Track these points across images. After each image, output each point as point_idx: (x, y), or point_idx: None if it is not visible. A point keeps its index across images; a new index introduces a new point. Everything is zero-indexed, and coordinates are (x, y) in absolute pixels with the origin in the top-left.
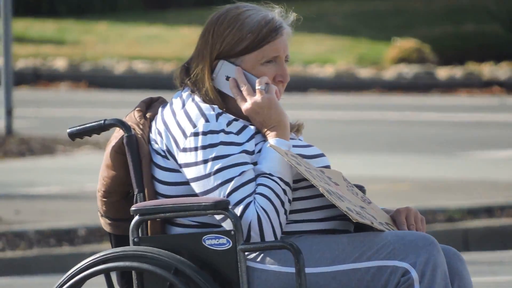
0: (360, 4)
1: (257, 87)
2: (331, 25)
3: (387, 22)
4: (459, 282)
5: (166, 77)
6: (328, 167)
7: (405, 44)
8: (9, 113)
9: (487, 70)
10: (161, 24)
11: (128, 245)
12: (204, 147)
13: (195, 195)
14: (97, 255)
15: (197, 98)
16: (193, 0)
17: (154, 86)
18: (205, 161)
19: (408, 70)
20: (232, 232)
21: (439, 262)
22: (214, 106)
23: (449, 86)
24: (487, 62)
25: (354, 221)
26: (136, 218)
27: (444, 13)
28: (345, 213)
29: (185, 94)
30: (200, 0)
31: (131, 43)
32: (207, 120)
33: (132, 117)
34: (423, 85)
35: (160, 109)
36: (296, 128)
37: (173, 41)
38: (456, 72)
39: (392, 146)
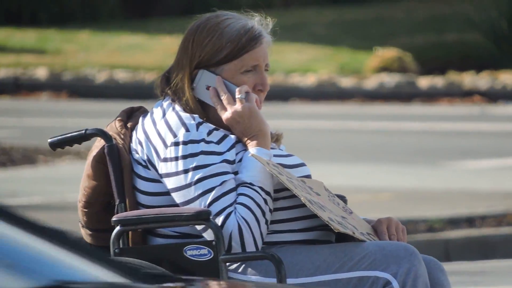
0: (342, 13)
1: (237, 96)
2: (313, 34)
3: (369, 31)
4: None
5: (147, 86)
6: (309, 176)
7: (386, 53)
8: None
9: (468, 79)
10: (142, 33)
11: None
12: (184, 157)
13: (177, 205)
14: None
15: (177, 107)
16: (174, 9)
17: (136, 96)
18: (185, 171)
19: (390, 79)
20: (214, 243)
21: (420, 273)
22: (194, 115)
23: (430, 96)
24: (468, 71)
25: (336, 231)
26: (117, 228)
27: (425, 22)
28: (327, 223)
29: (165, 104)
30: (181, 9)
31: (112, 52)
32: (187, 130)
33: (113, 127)
34: (404, 94)
35: (140, 118)
36: (275, 138)
37: (155, 50)
38: (437, 81)
39: (373, 156)
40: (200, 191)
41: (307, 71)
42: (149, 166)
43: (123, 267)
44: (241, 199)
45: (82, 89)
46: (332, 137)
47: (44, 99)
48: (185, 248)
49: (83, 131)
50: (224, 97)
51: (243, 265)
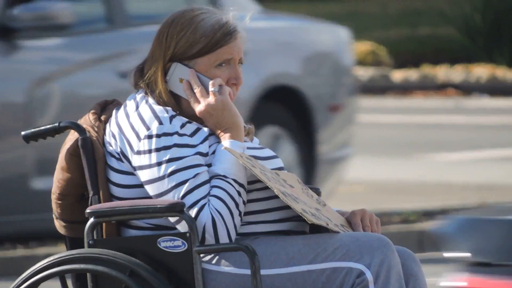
0: (316, 8)
1: (211, 89)
2: None
3: (343, 25)
4: (414, 284)
5: None
6: (281, 168)
7: (360, 47)
8: None
9: (442, 72)
10: None
11: (83, 247)
12: (158, 150)
13: (150, 197)
14: (52, 258)
15: (150, 100)
16: None
17: None
18: (159, 164)
19: (364, 73)
20: (187, 234)
21: (393, 264)
22: (167, 108)
23: (405, 89)
24: (441, 65)
25: (310, 222)
26: (91, 220)
27: (399, 16)
28: (300, 214)
29: (139, 96)
30: None
31: None
32: (160, 123)
33: (87, 120)
34: (378, 88)
35: (114, 111)
36: (247, 132)
37: None
38: (412, 74)
39: None
40: (173, 184)
41: None
42: (123, 159)
43: None
44: (215, 191)
45: None
46: None
47: None
48: (159, 239)
49: (57, 124)
50: (197, 90)
51: (217, 256)
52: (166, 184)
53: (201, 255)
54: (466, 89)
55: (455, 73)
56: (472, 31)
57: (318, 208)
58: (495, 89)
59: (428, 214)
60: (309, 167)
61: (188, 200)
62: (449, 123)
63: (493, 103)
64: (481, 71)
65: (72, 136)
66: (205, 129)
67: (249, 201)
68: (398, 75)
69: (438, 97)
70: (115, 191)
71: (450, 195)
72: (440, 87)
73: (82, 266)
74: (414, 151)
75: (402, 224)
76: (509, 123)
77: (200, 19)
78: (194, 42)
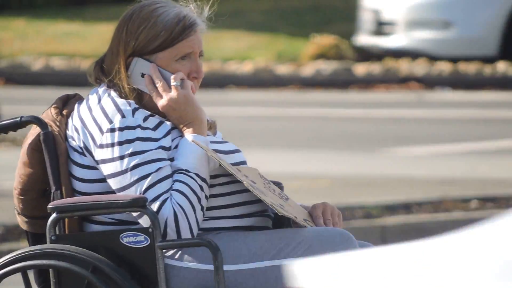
0: (278, 1)
1: (173, 83)
2: (250, 21)
3: (305, 19)
4: None
5: (83, 74)
6: (244, 162)
7: (323, 40)
8: None
9: (404, 66)
10: (79, 20)
11: (46, 243)
12: (120, 143)
13: (113, 192)
14: (14, 254)
15: (113, 94)
16: None
17: (72, 83)
18: (121, 157)
19: (326, 67)
20: (150, 230)
21: None
22: (130, 101)
23: (367, 82)
24: (404, 58)
25: (280, 214)
26: (53, 215)
27: None
28: (271, 206)
29: (101, 90)
30: None
31: (49, 39)
32: (123, 116)
33: (48, 114)
34: (341, 82)
35: (76, 105)
36: (209, 126)
37: (91, 38)
38: (374, 68)
39: (311, 143)
40: (136, 178)
41: (244, 59)
42: (85, 153)
43: None
44: (177, 185)
45: (18, 77)
46: (269, 124)
47: None
48: (121, 235)
49: (19, 119)
50: (159, 85)
51: (180, 251)
52: (128, 178)
53: (164, 250)
54: (429, 82)
55: (417, 66)
56: None
57: (281, 203)
58: (457, 82)
59: (391, 209)
60: None
61: (150, 194)
62: (412, 117)
63: (455, 96)
64: (443, 65)
65: (34, 131)
66: (168, 123)
67: (212, 196)
68: (360, 69)
69: (400, 91)
70: (78, 185)
71: (413, 189)
72: (403, 81)
73: (45, 261)
74: (376, 145)
75: (365, 219)
76: (471, 117)
77: (159, 13)
78: (154, 37)
